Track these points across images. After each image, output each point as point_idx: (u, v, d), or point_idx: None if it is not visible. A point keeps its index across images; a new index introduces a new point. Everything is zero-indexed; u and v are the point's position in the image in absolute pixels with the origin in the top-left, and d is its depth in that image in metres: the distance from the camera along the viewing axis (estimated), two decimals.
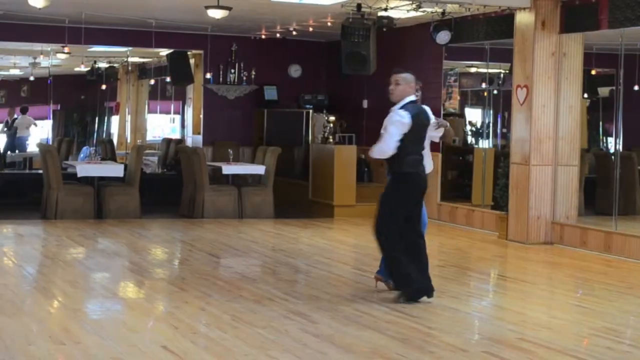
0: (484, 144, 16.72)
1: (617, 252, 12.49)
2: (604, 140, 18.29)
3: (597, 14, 12.82)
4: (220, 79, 19.20)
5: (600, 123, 18.12)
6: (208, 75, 19.06)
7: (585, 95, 16.27)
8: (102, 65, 23.30)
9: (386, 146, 8.92)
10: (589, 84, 16.61)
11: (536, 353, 7.23)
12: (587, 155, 16.32)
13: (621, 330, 8.29)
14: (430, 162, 9.40)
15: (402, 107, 9.01)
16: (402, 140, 8.91)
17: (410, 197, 9.06)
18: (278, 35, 18.46)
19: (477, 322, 8.62)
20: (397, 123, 8.93)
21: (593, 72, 16.93)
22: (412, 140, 8.99)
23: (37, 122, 24.27)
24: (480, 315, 8.81)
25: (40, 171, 16.22)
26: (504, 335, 7.89)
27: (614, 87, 15.21)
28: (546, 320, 8.61)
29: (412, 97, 9.07)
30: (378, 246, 9.29)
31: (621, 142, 14.53)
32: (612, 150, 16.16)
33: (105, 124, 24.94)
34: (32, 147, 22.77)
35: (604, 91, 17.59)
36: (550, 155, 13.55)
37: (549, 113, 13.51)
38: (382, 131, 9.07)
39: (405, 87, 9.07)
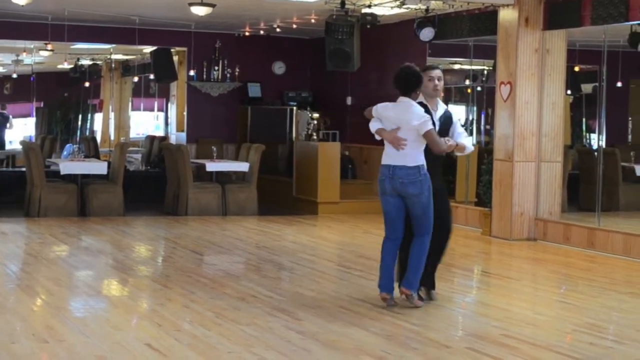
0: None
1: (600, 248, 12.53)
2: (587, 137, 18.35)
3: (580, 10, 12.86)
4: (204, 76, 19.18)
5: (584, 119, 18.18)
6: (192, 73, 19.05)
7: (569, 92, 16.30)
8: (86, 62, 23.22)
9: None
10: (572, 81, 16.65)
11: (520, 349, 7.25)
12: (571, 152, 16.36)
13: (604, 326, 8.32)
14: None
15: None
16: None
17: None
18: (262, 32, 18.46)
19: (461, 319, 8.64)
20: None
21: (576, 69, 16.98)
22: None
23: (20, 120, 24.16)
24: (464, 311, 8.82)
25: (24, 169, 16.16)
26: (488, 331, 7.91)
27: (597, 84, 15.25)
28: (530, 317, 8.63)
29: None
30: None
31: (604, 139, 14.58)
32: (595, 147, 16.21)
33: (89, 121, 24.86)
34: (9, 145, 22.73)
35: (587, 88, 17.64)
36: (533, 152, 13.58)
37: (533, 110, 13.54)
38: (461, 130, 8.81)
39: (442, 82, 8.93)
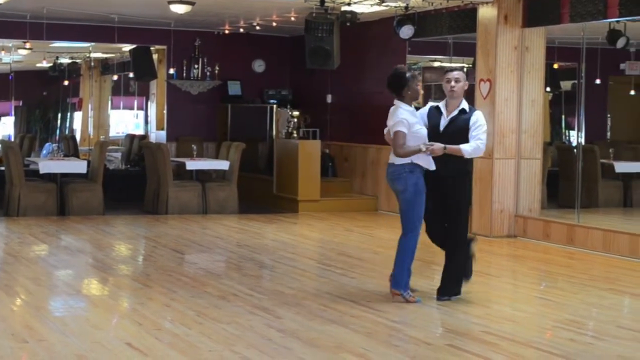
0: None
1: (579, 245, 12.58)
2: (567, 134, 18.42)
3: (559, 8, 12.91)
4: (184, 74, 19.14)
5: (563, 116, 18.25)
6: (171, 71, 19.01)
7: (548, 89, 16.37)
8: (65, 61, 23.15)
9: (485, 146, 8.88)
10: (552, 78, 16.71)
11: (500, 345, 7.27)
12: (550, 149, 16.41)
13: (584, 322, 8.35)
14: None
15: (473, 108, 8.99)
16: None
17: None
18: (242, 30, 18.43)
19: (441, 316, 8.64)
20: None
21: (555, 66, 17.04)
22: None
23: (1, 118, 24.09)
24: (444, 308, 8.84)
25: (2, 168, 16.09)
26: (468, 328, 7.93)
27: (576, 81, 15.32)
28: (510, 313, 8.66)
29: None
30: (458, 252, 9.02)
31: (583, 135, 14.65)
32: (574, 144, 16.27)
33: (68, 120, 24.79)
34: None
35: (566, 85, 17.71)
36: (513, 149, 13.62)
37: (512, 107, 13.57)
38: (477, 132, 8.78)
39: (463, 84, 8.92)
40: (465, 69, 16.12)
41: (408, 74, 8.88)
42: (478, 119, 8.84)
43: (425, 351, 7.10)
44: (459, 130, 8.80)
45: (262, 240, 13.29)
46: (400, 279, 8.83)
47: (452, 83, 8.86)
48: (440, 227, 9.07)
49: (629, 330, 8.00)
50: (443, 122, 8.90)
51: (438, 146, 8.64)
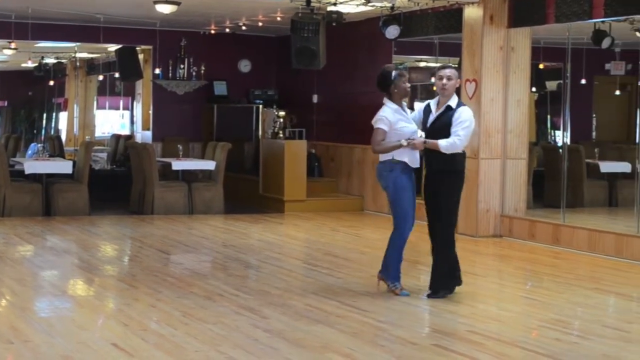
0: None
1: (565, 244, 12.61)
2: (552, 134, 18.45)
3: (545, 8, 12.94)
4: (170, 74, 19.12)
5: (548, 116, 18.28)
6: (157, 71, 18.98)
7: (534, 89, 16.41)
8: (50, 61, 23.11)
9: (465, 143, 8.91)
10: (537, 78, 16.74)
11: (486, 345, 7.28)
12: (536, 149, 16.46)
13: (569, 322, 8.37)
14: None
15: (460, 104, 9.03)
16: None
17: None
18: (227, 30, 18.42)
19: (427, 316, 8.66)
20: (474, 121, 9.06)
21: (541, 66, 17.07)
22: None
23: None
24: (430, 308, 8.85)
25: None
26: (454, 328, 7.94)
27: (561, 81, 15.35)
28: (496, 313, 8.67)
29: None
30: (440, 249, 9.12)
31: (569, 135, 14.68)
32: (560, 144, 16.30)
33: (53, 120, 24.77)
34: None
35: (551, 85, 17.74)
36: (499, 149, 13.65)
37: (498, 107, 13.60)
38: (456, 127, 8.86)
39: (455, 82, 9.03)
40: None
41: (394, 73, 9.08)
42: (461, 114, 8.91)
43: (411, 351, 7.10)
44: (443, 127, 8.92)
45: (248, 241, 13.28)
46: (389, 269, 9.15)
47: (444, 81, 8.98)
48: (435, 226, 9.17)
49: (614, 330, 8.02)
50: (431, 119, 9.05)
51: (419, 140, 8.89)
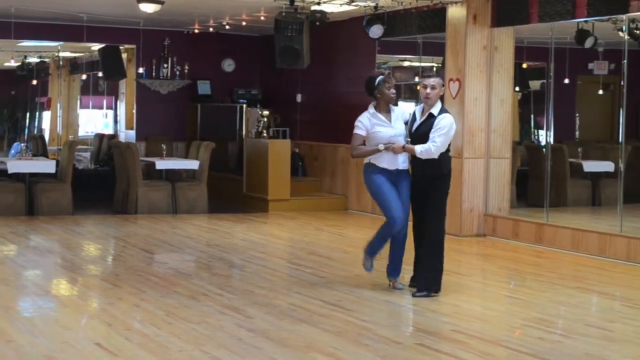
0: None
1: (548, 244, 12.65)
2: (536, 133, 18.50)
3: (528, 7, 12.98)
4: (153, 73, 19.08)
5: (532, 116, 18.32)
6: (141, 70, 18.94)
7: (517, 89, 16.44)
8: (33, 60, 23.01)
9: (441, 149, 9.04)
10: (521, 77, 16.78)
11: (469, 344, 7.30)
12: (519, 148, 16.50)
13: (552, 321, 8.39)
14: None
15: (442, 111, 9.16)
16: None
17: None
18: (211, 29, 18.39)
19: (411, 315, 8.68)
20: (453, 128, 9.15)
21: (524, 66, 17.10)
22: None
23: None
24: (414, 307, 8.86)
25: None
26: (438, 327, 7.96)
27: (544, 81, 15.39)
28: (479, 312, 8.69)
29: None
30: (430, 250, 9.23)
31: (552, 135, 14.71)
32: (543, 143, 16.34)
33: (37, 119, 24.67)
34: None
35: (535, 84, 17.78)
36: (482, 148, 13.68)
37: (481, 106, 13.63)
38: (434, 134, 9.03)
39: (439, 90, 9.20)
40: (435, 69, 16.24)
41: (379, 79, 9.29)
42: (440, 121, 9.09)
43: (395, 350, 7.11)
44: (425, 134, 9.15)
45: (232, 240, 13.27)
46: (373, 245, 9.48)
47: (428, 90, 9.18)
48: (420, 226, 9.34)
49: (597, 329, 8.05)
50: (415, 125, 9.29)
51: (397, 144, 9.11)
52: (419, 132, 9.16)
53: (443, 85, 9.38)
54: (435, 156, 9.05)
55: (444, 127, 9.03)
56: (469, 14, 13.51)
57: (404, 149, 9.09)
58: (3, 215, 14.88)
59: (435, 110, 9.13)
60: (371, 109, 9.29)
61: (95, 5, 15.88)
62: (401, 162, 9.20)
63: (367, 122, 9.23)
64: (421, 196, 9.20)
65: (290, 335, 7.49)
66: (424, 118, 9.17)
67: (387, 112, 9.30)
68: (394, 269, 9.44)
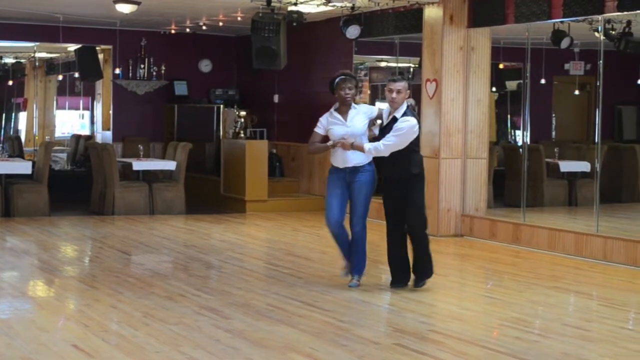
0: None
1: (525, 244, 12.69)
2: (512, 133, 18.56)
3: (504, 8, 13.02)
4: (130, 74, 19.04)
5: (509, 116, 18.39)
6: (117, 71, 18.90)
7: (494, 89, 16.49)
8: (9, 60, 22.90)
9: (393, 148, 9.20)
10: (497, 78, 16.84)
11: (446, 344, 7.31)
12: (496, 148, 16.55)
13: (530, 320, 8.42)
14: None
15: (405, 114, 9.28)
16: (411, 143, 9.29)
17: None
18: (188, 30, 18.37)
19: (388, 315, 8.69)
20: (413, 131, 9.26)
21: (501, 66, 17.17)
22: (418, 141, 9.44)
23: None
24: (391, 308, 8.87)
25: None
26: (415, 327, 7.97)
27: (521, 81, 15.45)
28: (456, 312, 8.71)
29: (406, 102, 9.40)
30: (419, 246, 9.50)
31: (529, 135, 14.76)
32: (520, 143, 16.40)
33: (13, 120, 24.52)
34: None
35: (511, 85, 17.85)
36: (459, 149, 13.71)
37: (458, 107, 13.66)
38: (390, 133, 9.23)
39: (404, 94, 9.33)
40: (412, 69, 16.28)
41: (337, 80, 9.53)
42: (399, 123, 9.27)
43: (373, 350, 7.12)
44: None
45: (210, 241, 13.25)
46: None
47: (394, 94, 9.35)
48: (394, 228, 9.53)
49: (574, 328, 8.08)
50: (380, 128, 9.53)
51: (346, 141, 9.35)
52: (383, 135, 9.35)
53: (409, 89, 9.47)
54: (385, 154, 9.26)
55: (402, 129, 9.19)
56: (446, 15, 13.54)
57: (352, 146, 9.27)
58: None
59: (398, 114, 9.30)
60: (332, 109, 9.56)
61: (71, 5, 15.83)
62: (352, 159, 9.37)
63: (325, 121, 9.55)
64: (397, 199, 9.38)
65: (268, 335, 7.49)
66: (388, 121, 9.36)
67: (346, 111, 9.49)
68: (353, 267, 9.63)
